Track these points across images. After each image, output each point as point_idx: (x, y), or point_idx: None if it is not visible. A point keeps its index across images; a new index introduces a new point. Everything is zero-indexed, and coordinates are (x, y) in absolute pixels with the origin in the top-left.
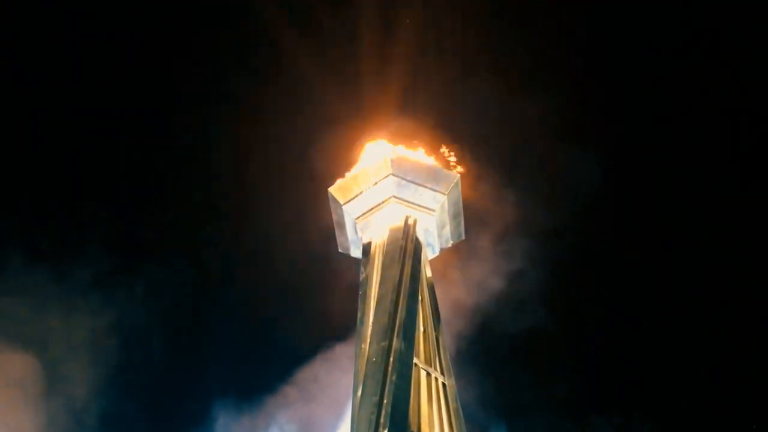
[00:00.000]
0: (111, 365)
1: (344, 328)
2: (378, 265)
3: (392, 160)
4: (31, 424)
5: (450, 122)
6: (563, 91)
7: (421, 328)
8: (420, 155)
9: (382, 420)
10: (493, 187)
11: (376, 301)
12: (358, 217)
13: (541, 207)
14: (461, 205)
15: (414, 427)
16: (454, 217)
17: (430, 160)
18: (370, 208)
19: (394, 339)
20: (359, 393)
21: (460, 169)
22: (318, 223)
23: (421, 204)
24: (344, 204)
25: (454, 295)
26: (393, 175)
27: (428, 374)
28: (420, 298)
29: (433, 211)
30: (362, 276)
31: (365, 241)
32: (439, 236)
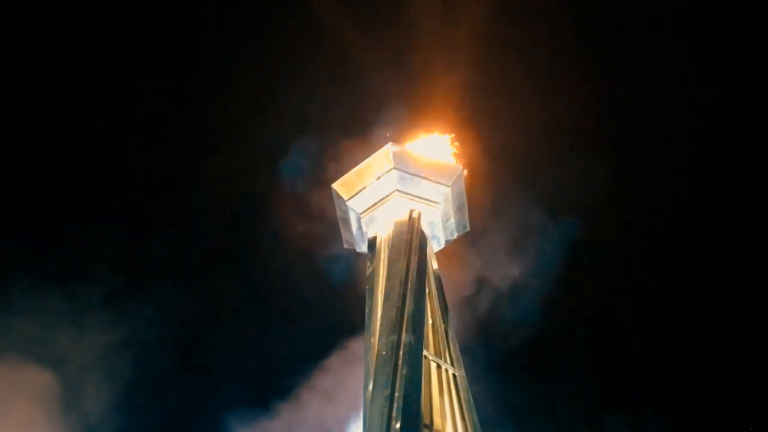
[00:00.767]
0: (121, 382)
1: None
2: (384, 259)
3: (395, 154)
4: None
5: (457, 116)
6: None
7: (430, 321)
8: (422, 148)
9: (394, 413)
10: (499, 180)
11: (383, 296)
12: (362, 212)
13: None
14: (465, 197)
15: (426, 420)
16: (459, 209)
17: (433, 153)
18: (374, 202)
19: (403, 332)
20: (370, 387)
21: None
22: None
23: (425, 197)
24: (348, 199)
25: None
26: (396, 169)
27: (438, 366)
28: (427, 290)
29: (438, 203)
30: (369, 271)
31: (370, 235)
32: (444, 228)
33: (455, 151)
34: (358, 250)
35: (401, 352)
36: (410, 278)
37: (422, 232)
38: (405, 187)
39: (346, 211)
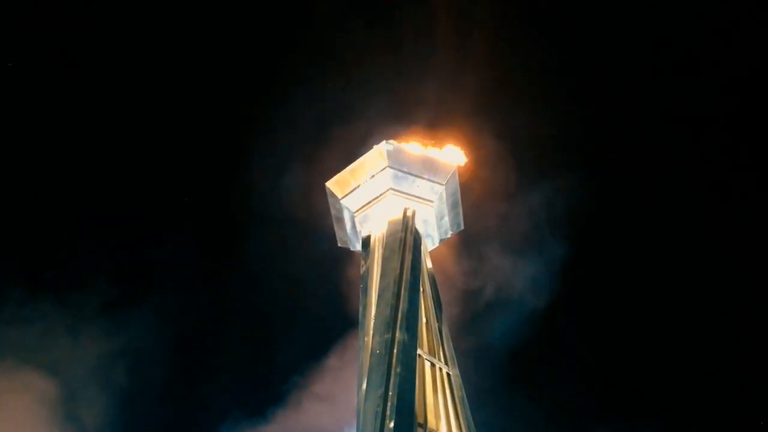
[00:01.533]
0: (118, 392)
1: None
2: (378, 257)
3: (389, 152)
4: None
5: (451, 115)
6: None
7: (424, 319)
8: (416, 146)
9: (388, 412)
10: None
11: (377, 294)
12: (356, 211)
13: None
14: (459, 195)
15: (420, 418)
16: (453, 207)
17: (427, 151)
18: (368, 201)
19: (397, 331)
20: (364, 386)
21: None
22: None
23: (420, 195)
24: (342, 198)
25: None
26: (390, 167)
27: (432, 365)
28: (421, 289)
29: (432, 202)
30: (363, 269)
31: (365, 234)
32: (438, 227)
33: (450, 149)
34: (352, 249)
35: (395, 351)
36: (404, 276)
37: (416, 231)
38: (399, 185)
39: (340, 210)
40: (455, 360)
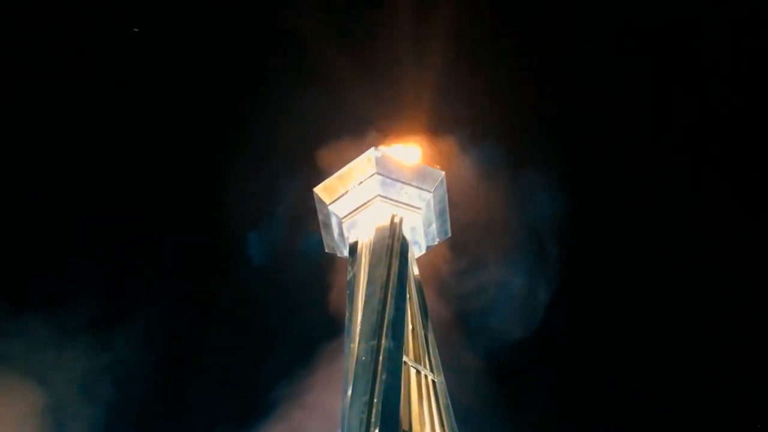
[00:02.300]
0: (102, 407)
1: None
2: (365, 264)
3: (377, 159)
4: None
5: (438, 121)
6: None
7: (410, 326)
8: (405, 154)
9: (372, 419)
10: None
11: (364, 301)
12: (344, 217)
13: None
14: (447, 202)
15: (405, 425)
16: (440, 214)
17: (415, 159)
18: (355, 207)
19: (383, 338)
20: (349, 392)
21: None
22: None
23: (407, 202)
24: (330, 204)
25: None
26: (378, 174)
27: (418, 372)
28: (408, 296)
29: (419, 209)
30: (349, 275)
31: (352, 240)
32: (426, 234)
33: (436, 156)
34: (339, 255)
35: (381, 358)
36: (391, 283)
37: (404, 238)
38: (387, 192)
39: (327, 216)
40: (441, 368)
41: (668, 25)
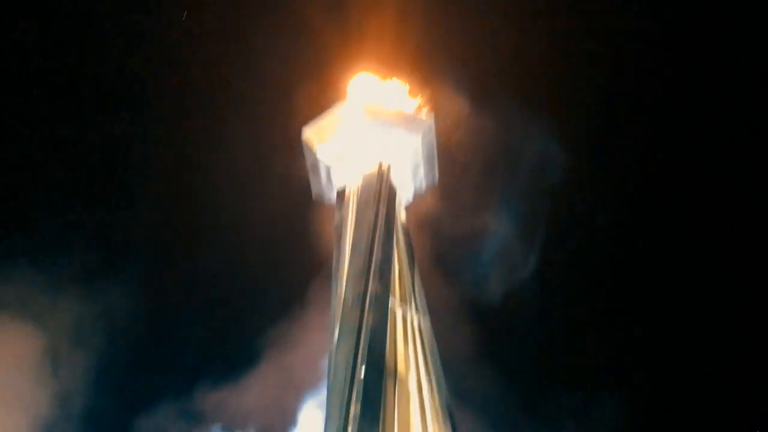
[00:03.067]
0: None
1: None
2: (353, 209)
3: (366, 105)
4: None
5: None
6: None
7: (397, 270)
8: (394, 99)
9: (359, 360)
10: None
11: (351, 245)
12: (331, 163)
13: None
14: (435, 149)
15: (390, 367)
16: (428, 161)
17: (404, 104)
18: (343, 153)
19: (371, 281)
20: (336, 334)
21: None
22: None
23: (395, 148)
24: (317, 148)
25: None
26: (366, 119)
27: (404, 314)
28: (395, 240)
29: (408, 155)
30: (337, 220)
31: (339, 186)
32: (413, 180)
33: (425, 100)
34: (326, 202)
35: (368, 300)
36: (378, 228)
37: (391, 183)
38: (375, 138)
39: (315, 162)
40: (427, 309)
41: None
